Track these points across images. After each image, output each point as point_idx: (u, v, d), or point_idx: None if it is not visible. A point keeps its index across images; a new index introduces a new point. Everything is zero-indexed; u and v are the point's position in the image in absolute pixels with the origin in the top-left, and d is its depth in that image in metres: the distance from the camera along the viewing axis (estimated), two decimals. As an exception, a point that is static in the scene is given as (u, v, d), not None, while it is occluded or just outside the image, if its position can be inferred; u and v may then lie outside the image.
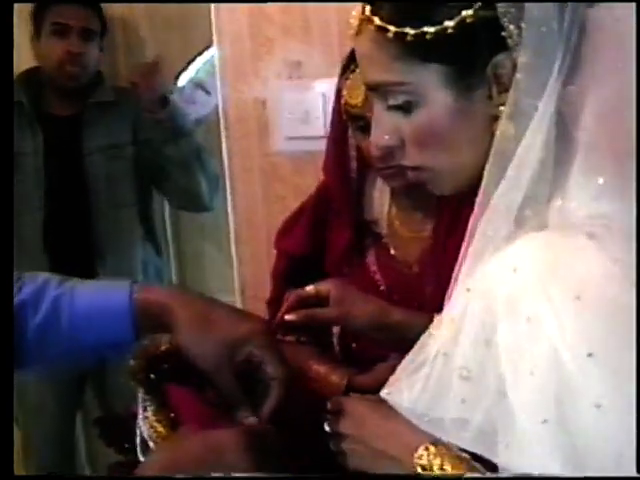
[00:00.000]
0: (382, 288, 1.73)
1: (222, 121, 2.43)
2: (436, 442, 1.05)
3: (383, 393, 1.09)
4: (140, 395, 1.23)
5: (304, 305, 1.49)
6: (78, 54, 2.79)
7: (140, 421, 1.20)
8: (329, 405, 1.23)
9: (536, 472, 0.89)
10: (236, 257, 2.51)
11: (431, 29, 0.98)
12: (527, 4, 0.96)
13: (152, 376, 1.23)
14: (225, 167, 2.45)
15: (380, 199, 1.77)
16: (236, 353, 1.19)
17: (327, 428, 1.22)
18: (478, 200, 1.03)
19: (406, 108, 1.04)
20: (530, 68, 0.97)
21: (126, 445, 1.22)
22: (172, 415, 1.22)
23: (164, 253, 3.21)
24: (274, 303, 1.78)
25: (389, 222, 1.76)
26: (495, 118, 1.01)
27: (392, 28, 1.00)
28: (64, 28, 2.77)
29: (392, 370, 1.47)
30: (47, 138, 2.82)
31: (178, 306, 1.21)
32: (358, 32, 1.05)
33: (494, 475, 0.98)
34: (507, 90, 0.99)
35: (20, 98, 2.82)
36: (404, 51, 1.01)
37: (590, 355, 0.87)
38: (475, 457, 1.01)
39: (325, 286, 1.51)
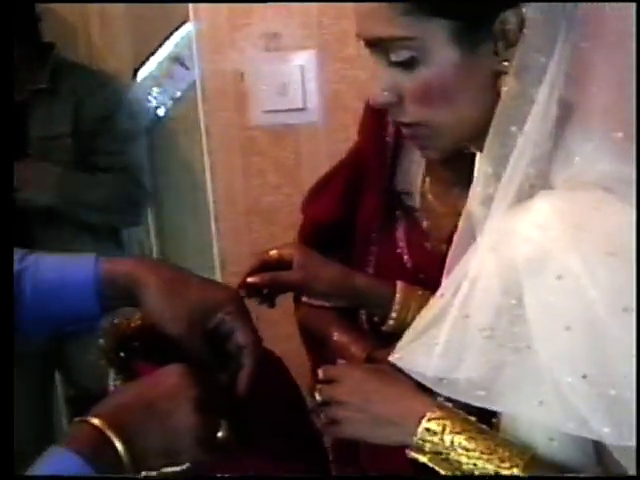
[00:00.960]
0: (408, 266, 1.70)
1: (199, 95, 2.40)
2: (441, 405, 1.08)
3: (393, 358, 1.08)
4: (111, 374, 1.21)
5: (268, 268, 1.48)
6: None
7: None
8: (320, 373, 1.24)
9: (574, 426, 0.91)
10: (215, 232, 2.49)
11: None
12: None
13: (122, 354, 1.21)
14: (204, 141, 2.43)
15: (415, 169, 1.72)
16: (207, 319, 1.17)
17: (318, 397, 1.21)
18: (483, 156, 1.03)
19: (409, 64, 1.01)
20: (538, 24, 0.97)
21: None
22: None
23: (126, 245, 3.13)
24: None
25: (422, 195, 1.72)
26: (498, 74, 1.00)
27: None
28: None
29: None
30: None
31: (146, 274, 1.18)
32: None
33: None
34: (513, 46, 0.98)
35: None
36: (410, 5, 0.98)
37: (625, 310, 0.89)
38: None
39: (289, 250, 1.50)
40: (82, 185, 2.67)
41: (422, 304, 1.39)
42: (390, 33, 1.00)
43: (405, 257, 1.71)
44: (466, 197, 1.60)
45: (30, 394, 2.97)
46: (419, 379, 1.03)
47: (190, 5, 2.35)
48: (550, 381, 0.92)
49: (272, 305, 1.55)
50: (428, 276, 1.56)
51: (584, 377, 0.90)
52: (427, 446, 1.08)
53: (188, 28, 2.78)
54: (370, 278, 1.55)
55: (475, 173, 1.17)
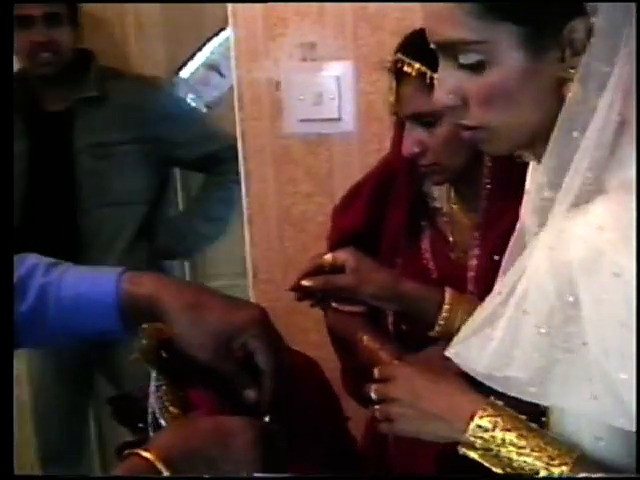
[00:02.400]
0: (433, 276, 1.74)
1: (236, 103, 2.42)
2: (492, 403, 1.12)
3: (449, 353, 1.12)
4: (152, 374, 1.22)
5: (321, 272, 1.54)
6: (42, 42, 2.72)
7: (152, 401, 1.20)
8: (377, 372, 1.28)
9: (624, 421, 0.94)
10: (248, 240, 2.50)
11: None
12: None
13: (163, 354, 1.22)
14: (239, 149, 2.44)
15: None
16: (231, 342, 1.18)
17: (373, 395, 1.25)
18: (544, 161, 1.06)
19: (477, 67, 1.04)
20: (605, 33, 0.99)
21: (139, 425, 1.22)
22: (181, 394, 1.21)
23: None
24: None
25: (448, 205, 1.76)
26: (562, 80, 1.03)
27: None
28: (27, 19, 2.70)
29: (440, 353, 1.50)
30: (37, 138, 2.80)
31: (168, 298, 1.19)
32: None
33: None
34: (579, 54, 1.01)
35: None
36: (483, 9, 1.01)
37: None
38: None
39: (342, 255, 1.56)
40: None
41: (470, 310, 1.43)
42: (461, 36, 1.03)
43: (430, 267, 1.74)
44: (492, 212, 1.64)
45: (70, 394, 2.98)
46: (472, 374, 1.07)
47: (229, 12, 2.36)
48: (602, 376, 0.95)
49: (324, 308, 1.59)
50: (452, 286, 1.61)
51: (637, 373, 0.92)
52: (478, 442, 1.12)
53: (224, 36, 2.81)
54: (418, 284, 1.58)
55: (527, 185, 1.19)
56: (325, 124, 2.34)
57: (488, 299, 1.11)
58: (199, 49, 3.20)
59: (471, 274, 1.67)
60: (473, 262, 1.67)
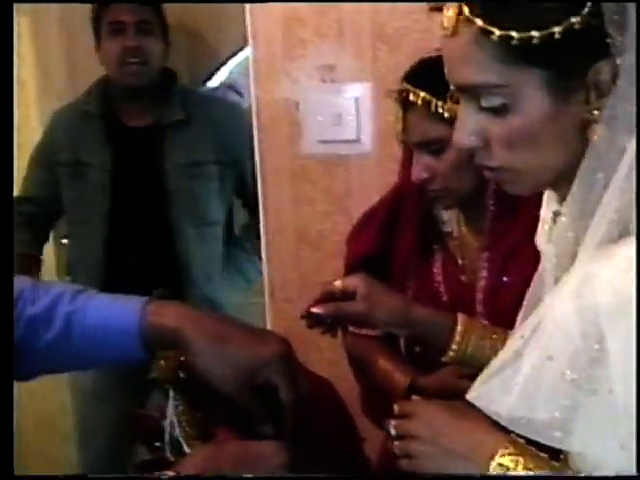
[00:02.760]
0: (444, 299, 1.76)
1: (255, 122, 2.43)
2: (513, 441, 1.09)
3: (470, 396, 1.11)
4: (170, 394, 1.24)
5: (332, 299, 1.53)
6: (135, 47, 2.77)
7: (169, 420, 1.21)
8: (396, 408, 1.26)
9: None
10: (265, 259, 2.51)
11: (537, 34, 0.98)
12: (628, 11, 0.98)
13: (182, 375, 1.23)
14: (257, 168, 2.46)
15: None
16: (253, 377, 1.19)
17: (392, 431, 1.23)
18: (567, 202, 1.06)
19: (499, 110, 1.04)
20: (630, 74, 0.99)
21: (156, 444, 1.23)
22: (199, 416, 1.22)
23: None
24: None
25: (458, 228, 1.78)
26: (587, 122, 1.02)
27: (497, 31, 0.99)
28: (120, 26, 2.78)
29: (454, 374, 1.50)
30: (119, 150, 2.83)
31: (191, 331, 1.19)
32: (453, 33, 1.04)
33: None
34: (604, 95, 1.00)
35: (89, 109, 2.87)
36: (506, 53, 1.00)
37: None
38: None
39: (352, 281, 1.55)
40: None
41: (482, 336, 1.44)
42: (484, 80, 1.03)
43: (441, 290, 1.76)
44: (497, 234, 1.65)
45: (120, 407, 2.92)
46: (495, 417, 1.06)
47: (248, 32, 2.38)
48: (630, 425, 0.94)
49: (335, 335, 1.59)
50: (462, 308, 1.62)
51: None
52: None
53: (243, 56, 2.83)
54: (430, 309, 1.58)
55: (542, 213, 1.20)
56: (343, 145, 2.35)
57: (509, 341, 1.10)
58: (218, 68, 3.23)
59: (479, 296, 1.68)
60: (481, 283, 1.69)
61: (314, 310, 1.51)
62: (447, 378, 1.61)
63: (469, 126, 1.08)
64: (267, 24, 2.36)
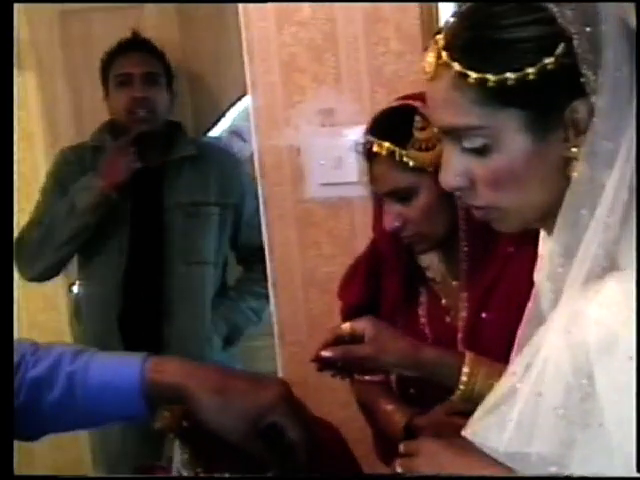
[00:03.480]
0: (430, 341, 1.77)
1: (257, 168, 2.47)
2: (515, 474, 1.09)
3: (466, 433, 1.12)
4: (176, 444, 1.25)
5: (341, 342, 1.56)
6: (142, 98, 2.89)
7: (177, 470, 1.23)
8: (402, 448, 1.28)
9: None
10: (274, 301, 2.53)
11: (512, 75, 1.01)
12: (602, 50, 1.00)
13: (186, 424, 1.24)
14: (261, 213, 2.49)
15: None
16: (259, 423, 1.21)
17: (399, 469, 1.26)
18: (554, 237, 1.08)
19: (481, 151, 1.07)
20: (606, 112, 1.01)
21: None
22: (199, 470, 1.24)
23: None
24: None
25: (437, 270, 1.81)
26: (568, 160, 1.05)
27: (473, 74, 1.03)
28: (127, 77, 2.90)
29: (446, 411, 1.52)
30: (133, 187, 2.90)
31: (193, 384, 1.21)
32: (434, 77, 1.07)
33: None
34: (583, 133, 1.03)
35: (100, 144, 2.97)
36: (483, 96, 1.04)
37: None
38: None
39: (360, 324, 1.58)
40: None
41: (490, 374, 1.45)
42: (465, 122, 1.06)
43: (426, 332, 1.79)
44: (473, 273, 1.67)
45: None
46: (491, 453, 1.07)
47: (248, 80, 2.41)
48: (624, 459, 0.95)
49: (347, 377, 1.65)
50: (448, 349, 1.64)
51: None
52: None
53: (246, 102, 2.87)
54: (439, 350, 1.60)
55: (540, 250, 1.21)
56: (345, 187, 2.38)
57: (503, 379, 1.11)
58: (220, 116, 3.28)
59: (460, 335, 1.71)
60: (461, 323, 1.72)
61: (323, 354, 1.54)
62: (439, 416, 1.62)
63: (454, 167, 1.10)
64: (266, 72, 2.40)
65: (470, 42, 1.05)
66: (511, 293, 1.25)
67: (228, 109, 3.25)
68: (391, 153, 1.59)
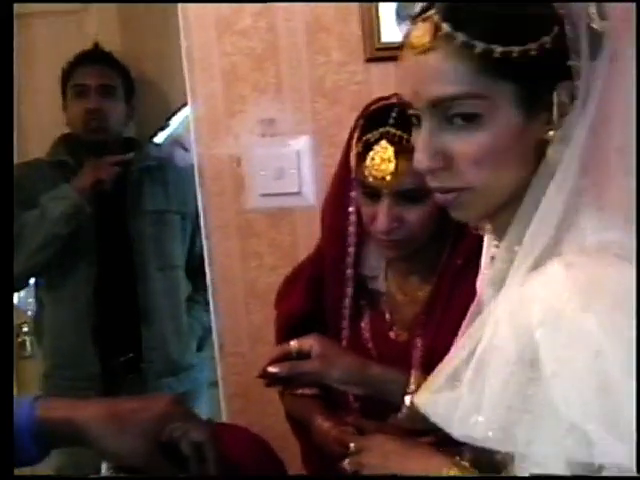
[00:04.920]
0: (373, 355, 1.76)
1: (197, 178, 2.44)
2: (457, 463, 1.16)
3: (418, 400, 1.15)
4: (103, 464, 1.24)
5: (288, 358, 1.56)
6: (96, 109, 2.93)
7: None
8: (352, 446, 1.33)
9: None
10: (214, 313, 2.51)
11: (517, 48, 1.04)
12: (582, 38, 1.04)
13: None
14: (201, 223, 2.46)
15: (377, 256, 1.78)
16: (158, 436, 1.20)
17: (348, 467, 1.30)
18: (486, 241, 1.12)
19: (471, 120, 1.07)
20: (583, 98, 1.05)
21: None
22: None
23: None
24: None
25: (387, 285, 1.79)
26: (545, 142, 1.07)
27: (480, 44, 1.04)
28: (83, 88, 2.95)
29: (390, 430, 1.52)
30: (96, 199, 2.90)
31: (84, 416, 1.19)
32: (430, 48, 1.08)
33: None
34: (563, 115, 1.06)
35: (64, 158, 2.97)
36: (485, 66, 1.05)
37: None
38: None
39: (307, 341, 1.58)
40: None
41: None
42: (465, 90, 1.07)
43: (370, 346, 1.77)
44: (426, 286, 1.67)
45: None
46: (443, 428, 1.08)
47: (188, 89, 2.39)
48: (571, 429, 0.96)
49: (295, 393, 1.67)
50: (394, 365, 1.63)
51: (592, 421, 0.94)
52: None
53: (186, 112, 2.84)
54: (385, 367, 1.59)
55: (483, 257, 1.23)
56: (287, 198, 2.36)
57: (446, 360, 1.14)
58: (166, 122, 3.25)
59: (417, 354, 1.68)
60: (418, 342, 1.69)
61: (270, 370, 1.54)
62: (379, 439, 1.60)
63: (432, 146, 1.10)
64: (206, 82, 2.38)
65: (476, 14, 1.06)
66: (464, 310, 1.24)
67: (171, 117, 3.22)
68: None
